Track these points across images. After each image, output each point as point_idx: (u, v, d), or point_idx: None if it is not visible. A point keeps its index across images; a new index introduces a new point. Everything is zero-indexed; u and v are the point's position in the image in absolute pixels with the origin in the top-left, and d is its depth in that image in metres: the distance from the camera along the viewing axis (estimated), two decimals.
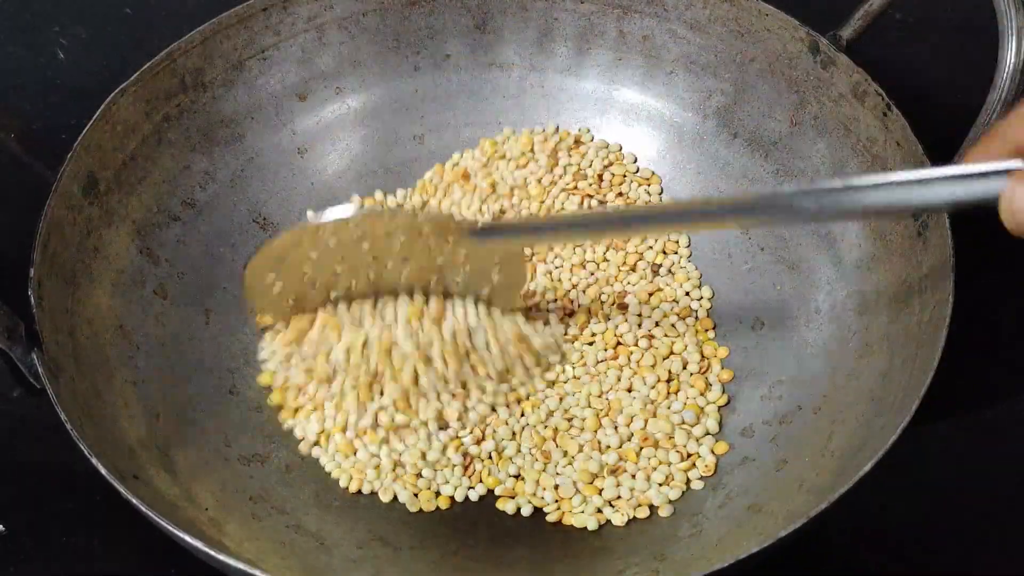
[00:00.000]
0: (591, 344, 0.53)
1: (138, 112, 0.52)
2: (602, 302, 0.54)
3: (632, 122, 0.59)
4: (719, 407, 0.51)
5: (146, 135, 0.52)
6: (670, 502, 0.48)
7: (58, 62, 0.49)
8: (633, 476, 0.49)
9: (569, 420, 0.51)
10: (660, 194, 0.57)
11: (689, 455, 0.49)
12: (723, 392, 0.51)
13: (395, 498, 0.49)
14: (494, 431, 0.50)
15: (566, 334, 0.53)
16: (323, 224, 0.46)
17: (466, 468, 0.49)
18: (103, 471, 0.39)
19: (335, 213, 0.47)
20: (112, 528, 0.49)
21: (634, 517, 0.48)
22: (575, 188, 0.57)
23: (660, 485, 0.48)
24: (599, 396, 0.51)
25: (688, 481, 0.49)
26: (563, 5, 0.58)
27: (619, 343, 0.53)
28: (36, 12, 0.46)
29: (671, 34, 0.57)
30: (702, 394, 0.51)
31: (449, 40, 0.59)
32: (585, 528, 0.48)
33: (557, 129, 0.59)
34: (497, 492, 0.49)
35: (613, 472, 0.49)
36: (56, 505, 0.50)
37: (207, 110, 0.55)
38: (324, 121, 0.58)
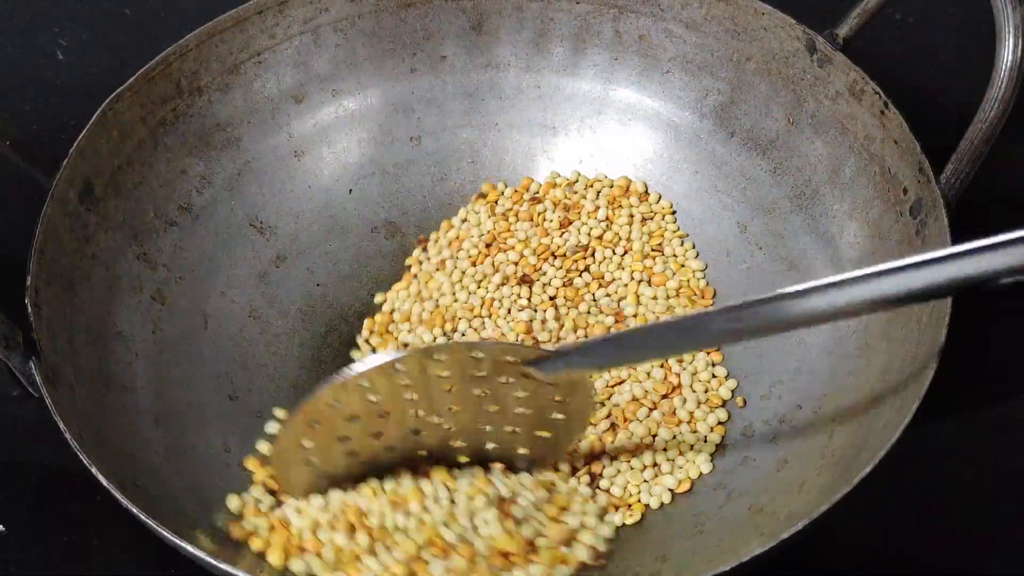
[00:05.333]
0: None
1: (134, 117, 0.51)
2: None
3: (628, 122, 0.59)
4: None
5: (142, 139, 0.52)
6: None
7: (58, 63, 0.48)
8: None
9: None
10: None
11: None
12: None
13: None
14: None
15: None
16: (364, 372, 0.41)
17: None
18: (103, 481, 0.39)
19: (375, 359, 0.41)
20: (112, 529, 0.49)
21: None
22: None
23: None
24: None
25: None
26: (559, 5, 0.58)
27: None
28: (36, 13, 0.46)
29: (667, 33, 0.57)
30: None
31: (445, 41, 0.59)
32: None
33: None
34: None
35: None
36: (56, 505, 0.50)
37: (203, 114, 0.55)
38: (320, 124, 0.58)
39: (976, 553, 0.49)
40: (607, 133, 0.59)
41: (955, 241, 0.45)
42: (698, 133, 0.58)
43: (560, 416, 0.44)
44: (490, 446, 0.45)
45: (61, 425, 0.40)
